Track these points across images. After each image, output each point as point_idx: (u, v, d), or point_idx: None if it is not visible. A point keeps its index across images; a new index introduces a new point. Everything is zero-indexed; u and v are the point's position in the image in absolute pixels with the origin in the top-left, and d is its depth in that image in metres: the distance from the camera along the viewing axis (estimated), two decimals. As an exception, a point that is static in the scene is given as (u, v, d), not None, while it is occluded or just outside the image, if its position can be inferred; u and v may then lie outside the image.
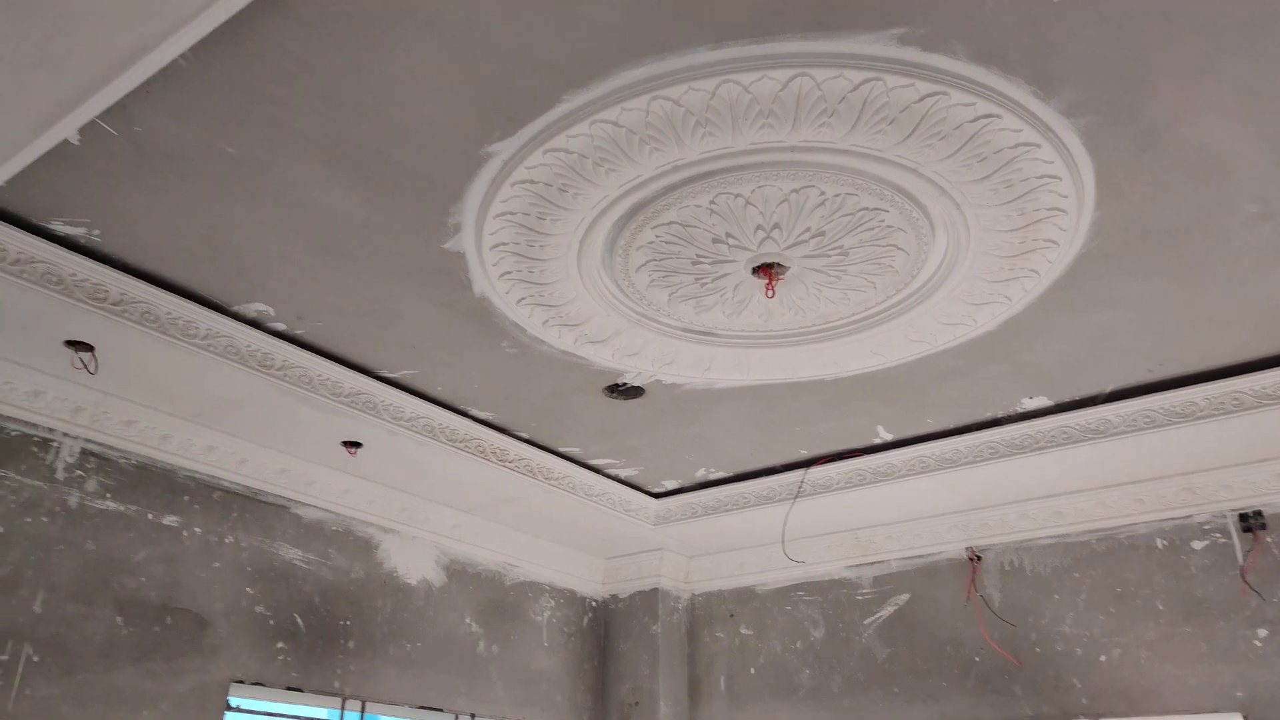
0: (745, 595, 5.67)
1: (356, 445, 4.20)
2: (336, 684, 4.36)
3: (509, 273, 3.15)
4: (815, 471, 4.69)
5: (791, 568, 5.44)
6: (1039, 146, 2.56)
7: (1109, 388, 3.87)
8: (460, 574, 5.12)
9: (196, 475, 4.11)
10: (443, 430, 4.21)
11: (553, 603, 5.61)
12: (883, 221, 2.90)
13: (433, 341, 3.63)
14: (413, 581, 4.87)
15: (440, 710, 4.79)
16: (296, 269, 3.17)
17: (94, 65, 2.16)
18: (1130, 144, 2.57)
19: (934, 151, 2.58)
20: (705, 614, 5.81)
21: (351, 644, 4.49)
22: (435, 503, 4.96)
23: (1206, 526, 4.30)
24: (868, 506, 4.87)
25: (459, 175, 2.72)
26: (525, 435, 4.47)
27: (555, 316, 3.41)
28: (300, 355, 3.65)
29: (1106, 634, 4.40)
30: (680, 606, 5.84)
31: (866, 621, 5.16)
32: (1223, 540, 4.25)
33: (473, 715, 4.92)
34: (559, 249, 3.03)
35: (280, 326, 3.52)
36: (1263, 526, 4.15)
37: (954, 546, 4.98)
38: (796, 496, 4.79)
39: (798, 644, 5.35)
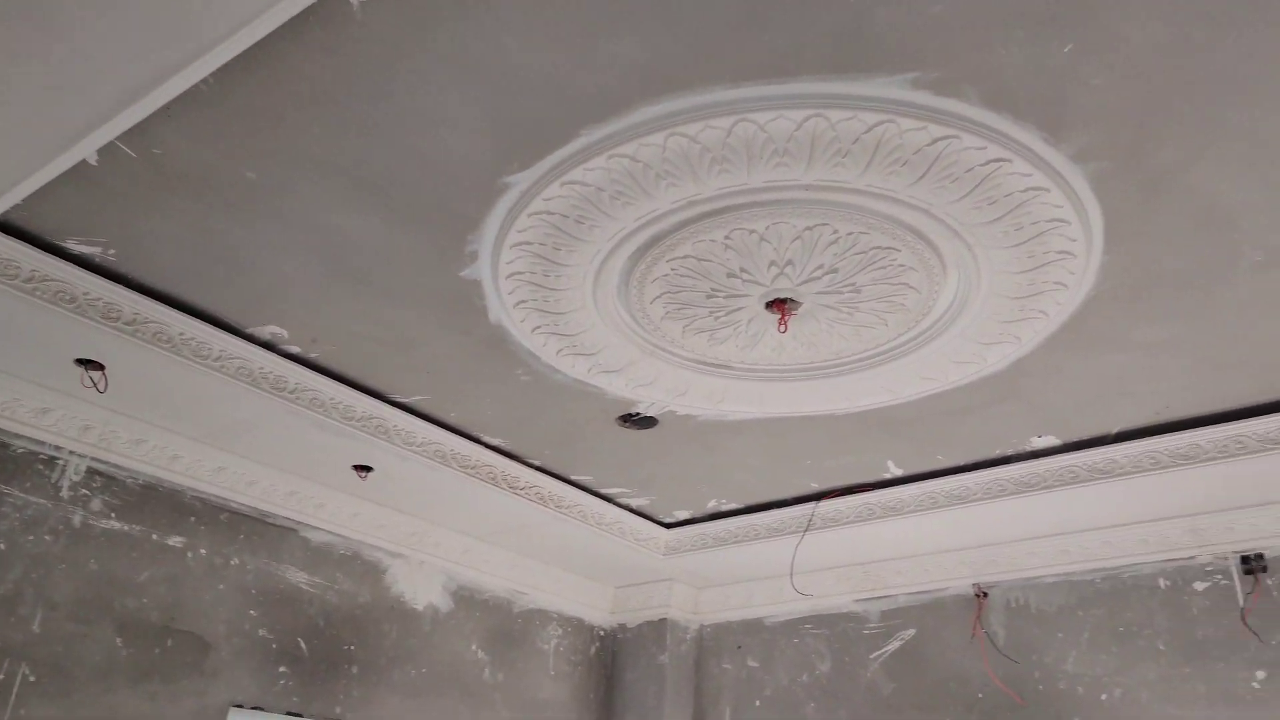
0: (754, 627, 5.65)
1: (367, 469, 4.22)
2: (338, 709, 4.35)
3: (524, 301, 3.18)
4: (826, 505, 4.69)
5: (800, 600, 5.42)
6: (1048, 191, 2.58)
7: (1116, 429, 3.87)
8: (468, 600, 5.11)
9: (204, 496, 4.13)
10: (454, 456, 4.22)
11: (560, 631, 5.59)
12: (895, 260, 2.92)
13: (447, 368, 3.65)
14: (419, 607, 4.87)
15: (442, 737, 4.77)
16: (312, 292, 3.20)
17: (115, 89, 2.19)
18: (1138, 190, 2.58)
19: (946, 193, 2.61)
20: (713, 645, 5.79)
21: (355, 669, 4.48)
22: (445, 528, 4.97)
23: (1209, 568, 4.28)
24: (877, 541, 4.86)
25: (477, 204, 2.76)
26: (537, 463, 4.48)
27: (570, 346, 3.44)
28: (314, 378, 3.67)
29: (1108, 673, 4.38)
30: (688, 637, 5.81)
31: (873, 656, 5.13)
32: (1224, 582, 4.23)
33: (474, 743, 4.90)
34: (574, 279, 3.06)
35: (294, 349, 3.55)
36: (1264, 569, 4.13)
37: (961, 583, 4.96)
38: (806, 529, 4.78)
39: (804, 677, 5.33)
